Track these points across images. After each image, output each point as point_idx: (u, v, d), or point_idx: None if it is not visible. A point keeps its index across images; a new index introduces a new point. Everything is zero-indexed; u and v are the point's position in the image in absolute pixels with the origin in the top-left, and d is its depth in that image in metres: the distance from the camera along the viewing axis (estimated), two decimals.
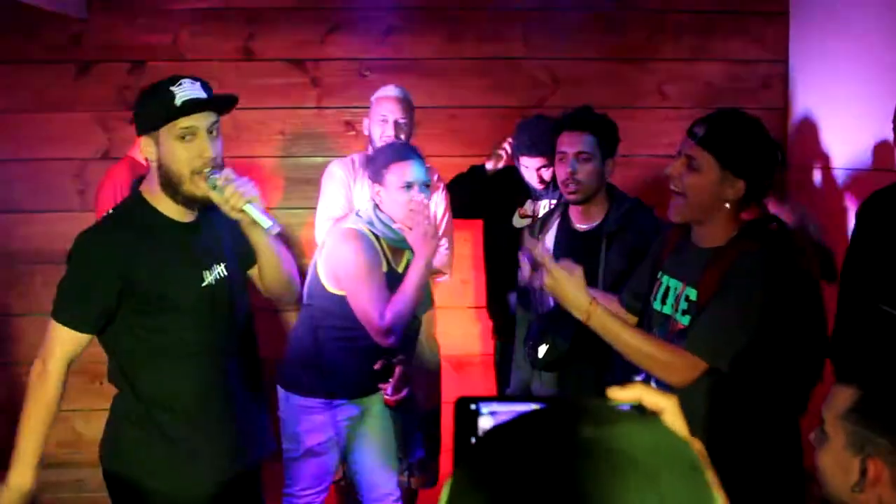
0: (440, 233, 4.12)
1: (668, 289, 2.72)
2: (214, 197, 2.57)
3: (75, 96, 4.85)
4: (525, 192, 4.32)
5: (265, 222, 2.55)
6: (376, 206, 3.47)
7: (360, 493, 3.66)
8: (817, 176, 4.92)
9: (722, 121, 2.64)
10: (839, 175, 4.73)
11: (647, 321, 2.83)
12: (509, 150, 4.37)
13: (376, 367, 3.44)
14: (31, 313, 5.04)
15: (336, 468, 3.67)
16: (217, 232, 2.72)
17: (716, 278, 2.53)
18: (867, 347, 3.17)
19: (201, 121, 2.56)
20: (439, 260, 4.16)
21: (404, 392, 3.48)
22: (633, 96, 5.08)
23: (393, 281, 3.44)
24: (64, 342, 2.59)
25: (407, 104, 4.16)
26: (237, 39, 5.01)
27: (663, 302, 2.72)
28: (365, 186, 3.98)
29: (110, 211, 2.72)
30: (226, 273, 2.71)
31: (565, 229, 3.54)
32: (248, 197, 2.53)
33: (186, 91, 2.55)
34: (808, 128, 5.00)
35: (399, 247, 3.50)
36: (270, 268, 2.68)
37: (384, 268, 3.45)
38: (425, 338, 4.12)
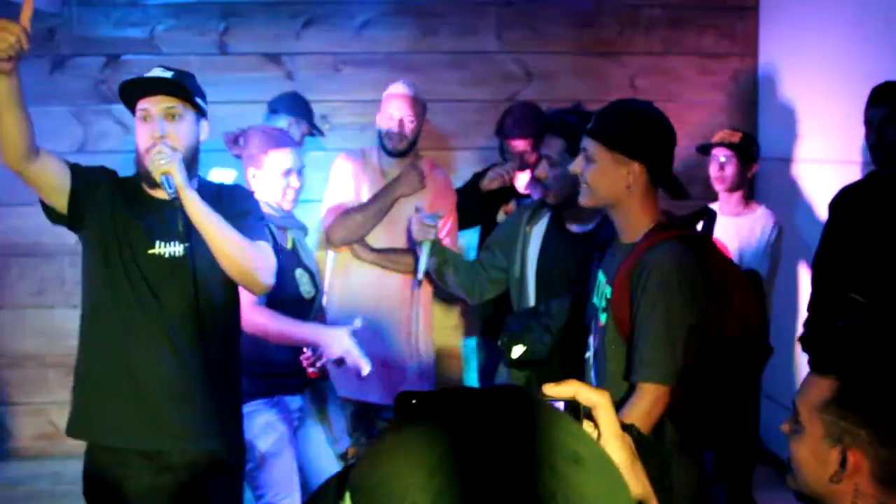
0: (444, 232, 4.12)
1: (598, 283, 2.75)
2: (147, 167, 2.69)
3: (51, 90, 4.85)
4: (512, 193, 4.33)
5: (167, 188, 2.63)
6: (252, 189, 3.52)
7: (308, 482, 3.67)
8: (787, 169, 4.98)
9: (608, 109, 2.68)
10: (808, 168, 4.79)
11: (586, 314, 2.87)
12: (507, 178, 4.29)
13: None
14: (7, 307, 5.04)
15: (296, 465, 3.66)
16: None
17: (625, 275, 2.56)
18: (838, 336, 3.23)
19: (156, 104, 2.70)
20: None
21: (320, 363, 3.50)
22: (605, 90, 5.11)
23: (286, 258, 3.45)
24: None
25: (415, 102, 4.16)
26: (212, 34, 5.02)
27: (597, 295, 2.75)
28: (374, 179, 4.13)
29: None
30: (182, 253, 2.76)
31: (556, 229, 3.43)
32: (162, 168, 2.61)
33: (150, 74, 2.75)
34: (778, 121, 5.07)
35: (283, 226, 3.55)
36: (215, 249, 2.70)
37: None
38: (420, 332, 4.17)
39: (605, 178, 2.60)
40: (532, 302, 3.35)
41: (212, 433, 2.86)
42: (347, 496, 0.80)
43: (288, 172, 3.50)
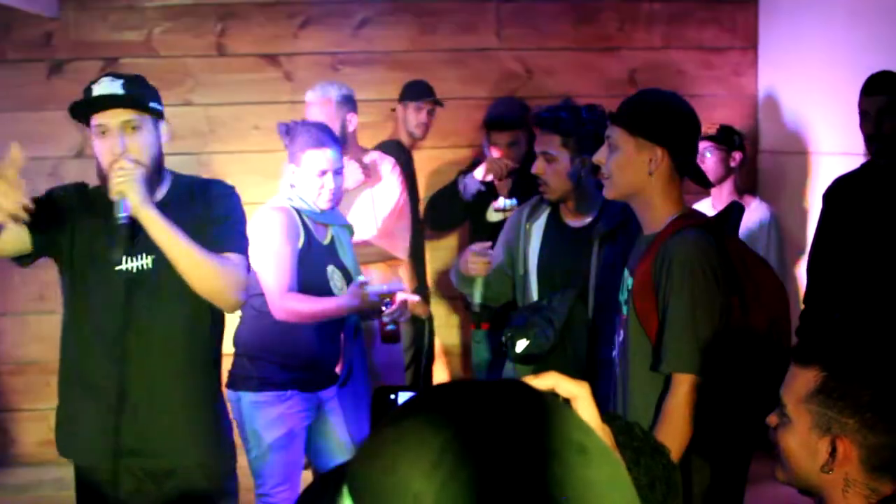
0: (387, 215, 4.28)
1: (624, 278, 2.72)
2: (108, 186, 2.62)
3: (49, 95, 4.83)
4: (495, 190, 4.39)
5: (120, 212, 2.55)
6: (291, 185, 3.52)
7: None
8: (788, 161, 4.97)
9: (631, 97, 2.70)
10: (810, 160, 4.78)
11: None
12: (500, 169, 4.34)
13: (372, 283, 3.52)
14: (9, 313, 5.02)
15: (303, 460, 3.66)
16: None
17: (647, 265, 2.54)
18: (833, 330, 3.21)
19: (112, 118, 2.60)
20: (398, 246, 4.30)
21: (400, 318, 3.54)
22: (606, 85, 5.10)
23: (319, 253, 3.48)
24: None
25: (324, 103, 4.23)
26: (210, 35, 5.01)
27: (622, 290, 2.73)
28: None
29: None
30: (151, 265, 2.69)
31: (555, 224, 3.46)
32: (118, 187, 2.54)
33: (101, 88, 2.63)
34: (779, 113, 5.05)
35: (322, 221, 3.54)
36: (178, 267, 2.62)
37: (301, 240, 3.46)
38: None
39: (629, 164, 2.58)
40: (535, 297, 3.38)
41: (193, 443, 2.83)
42: (345, 491, 0.79)
43: (323, 173, 3.46)
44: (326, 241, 3.57)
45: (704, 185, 2.73)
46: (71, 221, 2.69)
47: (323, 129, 3.56)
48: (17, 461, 5.09)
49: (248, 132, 5.01)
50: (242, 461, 3.39)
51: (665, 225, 2.58)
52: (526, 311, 3.35)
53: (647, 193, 2.60)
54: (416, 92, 4.66)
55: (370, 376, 3.92)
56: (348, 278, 3.54)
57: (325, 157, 3.46)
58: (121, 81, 2.64)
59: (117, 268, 2.68)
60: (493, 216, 4.32)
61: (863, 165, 3.66)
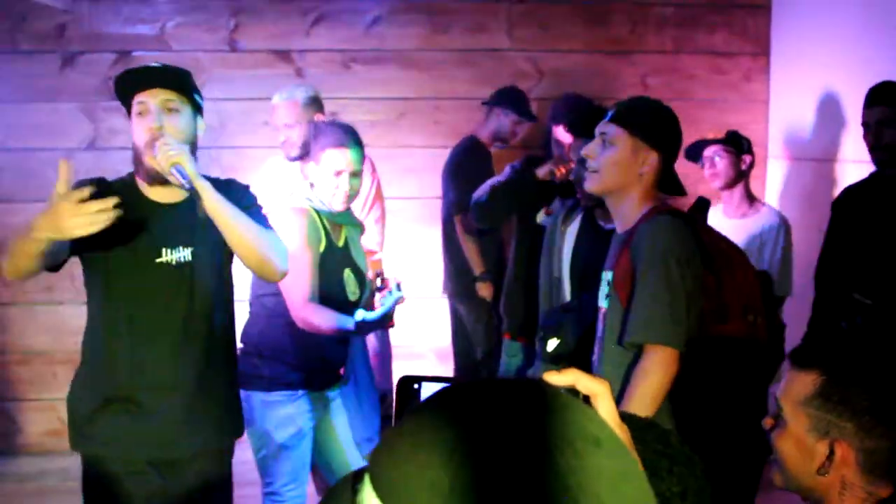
0: (367, 213, 4.26)
1: (602, 279, 2.80)
2: (154, 163, 2.63)
3: (61, 86, 4.86)
4: (554, 192, 4.27)
5: (180, 179, 2.57)
6: (311, 184, 3.50)
7: (332, 477, 3.68)
8: (798, 167, 4.96)
9: (632, 100, 2.82)
10: (819, 167, 4.77)
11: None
12: (564, 172, 4.21)
13: (369, 276, 3.49)
14: (17, 303, 5.05)
15: (310, 459, 3.66)
16: (197, 218, 2.72)
17: (627, 256, 2.62)
18: (842, 335, 3.22)
19: (153, 97, 2.64)
20: (371, 240, 4.27)
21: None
22: (616, 88, 5.11)
23: (336, 257, 3.47)
24: None
25: (289, 106, 4.21)
26: (222, 30, 5.03)
27: (602, 292, 2.81)
28: None
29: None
30: (190, 258, 2.73)
31: (589, 227, 3.54)
32: (172, 159, 2.56)
33: (145, 66, 2.71)
34: (789, 120, 5.05)
35: (337, 221, 3.53)
36: (233, 239, 2.67)
37: (322, 245, 3.45)
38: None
39: (622, 163, 2.67)
40: (568, 298, 3.48)
41: (220, 433, 2.88)
42: (367, 479, 0.81)
43: (339, 173, 3.44)
44: (341, 244, 3.56)
45: (680, 194, 2.78)
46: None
47: (347, 130, 3.53)
48: (23, 450, 5.11)
49: (258, 128, 5.03)
50: (243, 455, 3.40)
51: (639, 218, 2.67)
52: (558, 313, 3.41)
53: (630, 193, 2.69)
54: (524, 110, 4.69)
55: (371, 375, 3.93)
56: (361, 280, 3.54)
57: (343, 157, 3.43)
58: (166, 66, 2.72)
59: (157, 260, 2.69)
60: (543, 218, 4.23)
61: (871, 175, 3.67)
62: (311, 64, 5.07)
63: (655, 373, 2.50)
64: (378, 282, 3.47)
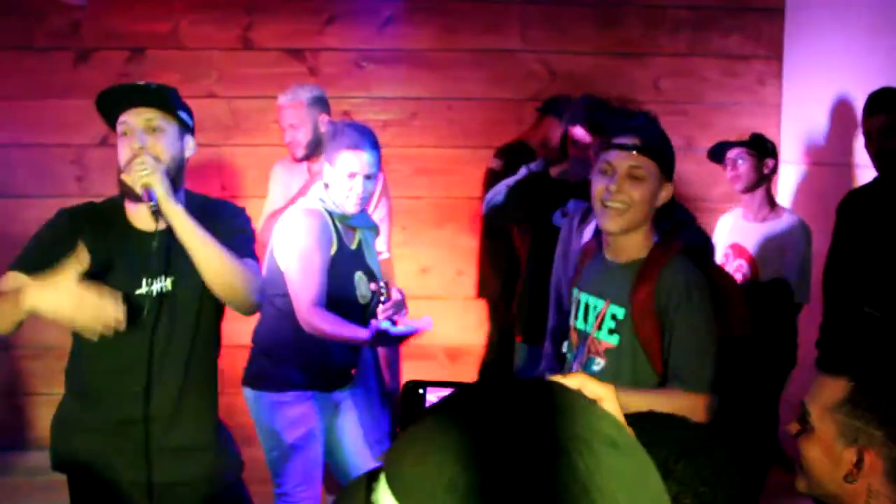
0: (373, 211, 4.19)
1: (586, 306, 2.71)
2: (130, 182, 2.60)
3: (74, 83, 4.87)
4: (570, 192, 4.22)
5: (148, 201, 2.55)
6: (326, 184, 3.49)
7: (343, 478, 3.68)
8: (810, 172, 4.95)
9: (647, 126, 2.69)
10: (832, 171, 4.76)
11: (564, 335, 2.88)
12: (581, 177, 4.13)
13: (372, 287, 3.47)
14: None
15: (322, 459, 3.66)
16: (178, 244, 2.65)
17: (646, 297, 2.53)
18: (852, 344, 3.22)
19: (135, 116, 2.63)
20: (378, 239, 4.24)
21: (395, 317, 3.47)
22: (628, 90, 5.10)
23: (348, 259, 3.46)
24: (6, 283, 2.60)
25: (296, 106, 4.22)
26: (236, 28, 5.03)
27: (585, 320, 2.71)
28: None
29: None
30: (170, 288, 2.69)
31: None
32: (143, 179, 2.54)
33: (127, 85, 2.69)
34: (802, 124, 5.03)
35: (351, 224, 3.52)
36: (201, 265, 2.60)
37: (334, 247, 3.44)
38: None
39: (650, 198, 2.58)
40: None
41: (205, 456, 2.84)
42: (382, 478, 0.81)
43: (353, 175, 3.42)
44: (354, 246, 3.54)
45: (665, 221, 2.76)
46: (92, 246, 2.65)
47: (363, 132, 3.51)
48: (34, 444, 5.12)
49: (270, 126, 5.03)
50: (255, 454, 3.41)
51: (647, 254, 2.60)
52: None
53: (644, 224, 2.61)
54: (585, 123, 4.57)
55: (381, 375, 3.92)
56: (373, 282, 3.53)
57: (357, 159, 3.41)
58: (149, 84, 2.69)
59: (138, 291, 2.65)
60: (560, 221, 4.18)
61: (876, 179, 3.66)
62: (324, 63, 5.07)
63: (699, 417, 2.45)
64: (383, 291, 3.42)
